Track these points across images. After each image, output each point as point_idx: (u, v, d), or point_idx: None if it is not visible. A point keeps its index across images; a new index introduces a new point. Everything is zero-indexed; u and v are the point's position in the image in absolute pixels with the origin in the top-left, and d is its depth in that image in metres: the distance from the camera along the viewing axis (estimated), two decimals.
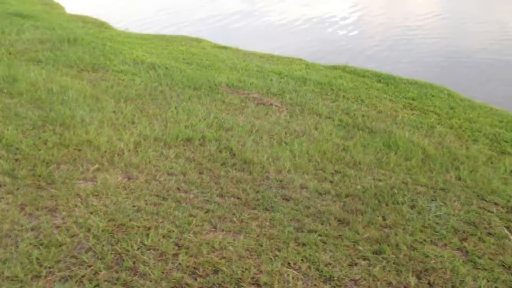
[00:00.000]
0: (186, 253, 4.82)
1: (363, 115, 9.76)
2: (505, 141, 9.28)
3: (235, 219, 5.44)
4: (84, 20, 19.21)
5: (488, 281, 4.76)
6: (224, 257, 4.77)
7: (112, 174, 6.22)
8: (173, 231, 5.13)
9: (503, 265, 5.11)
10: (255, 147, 7.42)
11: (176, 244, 4.94)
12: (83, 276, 4.40)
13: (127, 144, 7.10)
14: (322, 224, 5.56)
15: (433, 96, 11.60)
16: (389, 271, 4.77)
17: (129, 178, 6.20)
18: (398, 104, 10.82)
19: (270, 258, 4.82)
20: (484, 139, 9.33)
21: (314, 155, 7.47)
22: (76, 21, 18.67)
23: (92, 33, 15.70)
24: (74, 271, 4.44)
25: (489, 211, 6.43)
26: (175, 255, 4.79)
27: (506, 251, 5.41)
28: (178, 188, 6.01)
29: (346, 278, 4.64)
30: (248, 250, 4.93)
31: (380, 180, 6.92)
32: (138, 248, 4.82)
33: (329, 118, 9.43)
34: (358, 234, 5.41)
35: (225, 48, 15.75)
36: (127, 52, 13.03)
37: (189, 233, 5.11)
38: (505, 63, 16.72)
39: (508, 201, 6.82)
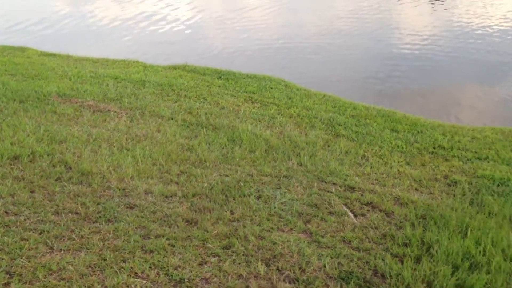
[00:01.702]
0: (20, 280, 4.35)
1: (206, 113, 9.77)
2: (339, 125, 9.92)
3: (74, 236, 5.05)
4: None
5: (332, 258, 4.98)
6: (63, 278, 4.38)
7: None
8: (3, 258, 4.61)
9: (343, 241, 5.40)
10: (94, 157, 7.00)
11: (8, 273, 4.44)
12: None
13: None
14: (169, 227, 5.40)
15: (271, 88, 12.02)
16: (239, 263, 4.77)
17: None
18: (240, 98, 11.03)
19: (115, 271, 4.54)
20: (320, 124, 9.88)
21: (158, 158, 7.28)
22: None
23: None
24: None
25: (329, 191, 6.78)
26: (6, 284, 4.29)
27: (346, 227, 5.72)
28: (6, 212, 5.43)
29: (196, 278, 4.53)
30: (90, 266, 4.59)
31: (226, 175, 6.95)
32: None
33: (172, 119, 9.28)
34: (207, 232, 5.34)
35: (53, 55, 14.79)
36: None
37: (21, 258, 4.62)
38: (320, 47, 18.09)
39: (345, 180, 7.26)
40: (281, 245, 5.16)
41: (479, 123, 11.49)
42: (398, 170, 7.94)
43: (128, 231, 5.22)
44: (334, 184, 7.09)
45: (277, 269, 4.71)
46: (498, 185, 7.50)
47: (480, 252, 5.16)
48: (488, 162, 8.64)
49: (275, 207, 6.07)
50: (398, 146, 9.11)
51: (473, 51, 17.06)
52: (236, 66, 14.27)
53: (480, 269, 4.84)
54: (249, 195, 6.35)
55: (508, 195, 7.08)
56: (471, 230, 5.65)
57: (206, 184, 6.55)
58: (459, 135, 10.10)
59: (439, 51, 17.17)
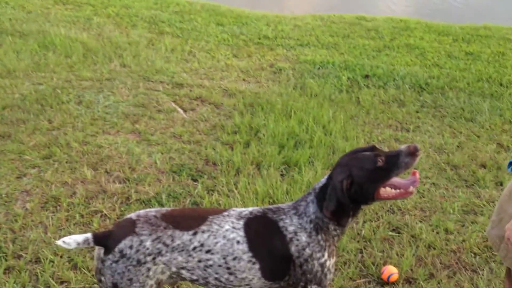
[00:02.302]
0: None
1: (10, 19, 8.61)
2: (162, 22, 9.48)
3: None
4: None
5: (162, 154, 4.84)
6: None
7: None
8: None
9: (174, 136, 5.27)
10: None
11: None
12: None
13: None
14: None
15: None
16: (63, 171, 4.41)
17: None
18: (48, 0, 9.90)
19: None
20: (142, 23, 9.34)
21: None
22: None
23: None
24: None
25: (156, 90, 6.51)
26: None
27: (176, 123, 5.59)
28: None
29: (16, 191, 4.09)
30: None
31: (40, 84, 6.28)
32: None
33: None
34: (23, 144, 4.81)
35: None
36: None
37: None
38: None
39: (172, 77, 7.03)
40: (108, 148, 4.87)
41: (300, 12, 11.85)
42: (225, 63, 7.90)
43: None
44: (161, 82, 6.82)
45: (106, 171, 4.46)
46: (318, 68, 7.87)
47: (303, 130, 5.41)
48: (309, 48, 9.00)
49: (98, 111, 5.68)
50: (224, 40, 9.03)
51: None
52: None
53: (304, 146, 5.09)
54: (68, 102, 5.84)
55: (328, 77, 7.48)
56: (294, 112, 5.89)
57: (17, 95, 5.86)
58: (283, 24, 10.33)
59: None
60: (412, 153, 2.15)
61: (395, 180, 2.21)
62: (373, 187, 2.17)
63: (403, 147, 2.19)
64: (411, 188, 2.20)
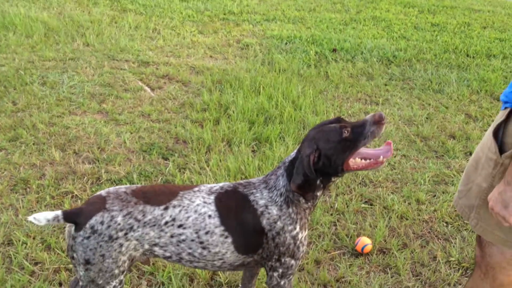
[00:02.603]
0: None
1: None
2: None
3: None
4: None
5: (131, 133, 4.80)
6: None
7: None
8: None
9: (142, 115, 5.22)
10: None
11: None
12: None
13: None
14: None
15: None
16: (30, 153, 4.33)
17: None
18: None
19: None
20: (104, 0, 9.15)
21: None
22: None
23: None
24: None
25: (121, 69, 6.42)
26: None
27: (143, 101, 5.53)
28: None
29: None
30: None
31: (2, 65, 6.11)
32: None
33: None
34: None
35: None
36: None
37: None
38: None
39: (138, 55, 6.93)
40: (76, 128, 4.80)
41: None
42: (191, 40, 7.83)
43: None
44: (126, 61, 6.73)
45: (74, 152, 4.40)
46: (286, 43, 7.88)
47: (273, 106, 5.43)
48: (276, 22, 8.99)
49: (63, 92, 5.58)
50: (189, 16, 8.93)
51: None
52: None
53: (274, 121, 5.12)
54: (32, 83, 5.71)
55: (296, 52, 7.50)
56: (263, 88, 5.90)
57: None
58: None
59: None
60: (377, 121, 2.15)
61: (366, 150, 2.22)
62: (340, 158, 2.17)
63: (368, 116, 2.19)
64: (381, 158, 2.20)
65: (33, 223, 2.12)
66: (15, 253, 3.18)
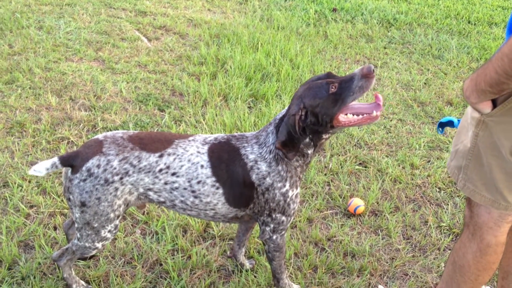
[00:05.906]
0: None
1: None
2: None
3: None
4: None
5: (128, 83, 4.79)
6: None
7: None
8: None
9: (139, 65, 5.19)
10: None
11: None
12: None
13: None
14: None
15: None
16: (26, 97, 4.32)
17: None
18: None
19: None
20: None
21: None
22: None
23: None
24: None
25: (118, 17, 6.33)
26: None
27: (140, 52, 5.49)
28: None
29: None
30: None
31: None
32: None
33: None
34: None
35: None
36: None
37: None
38: None
39: (135, 4, 6.82)
40: (72, 75, 4.78)
41: None
42: None
43: None
44: (123, 9, 6.63)
45: (70, 99, 4.39)
46: (285, 0, 7.78)
47: (270, 63, 5.41)
48: None
49: (60, 37, 5.51)
50: None
51: None
52: None
53: (271, 78, 5.11)
54: (28, 27, 5.63)
55: (295, 9, 7.41)
56: (261, 44, 5.85)
57: None
58: None
59: None
60: (366, 75, 2.07)
61: (357, 106, 2.16)
62: (329, 115, 2.12)
63: (356, 70, 2.11)
64: (375, 113, 2.13)
65: (33, 171, 2.15)
66: (11, 195, 3.22)
